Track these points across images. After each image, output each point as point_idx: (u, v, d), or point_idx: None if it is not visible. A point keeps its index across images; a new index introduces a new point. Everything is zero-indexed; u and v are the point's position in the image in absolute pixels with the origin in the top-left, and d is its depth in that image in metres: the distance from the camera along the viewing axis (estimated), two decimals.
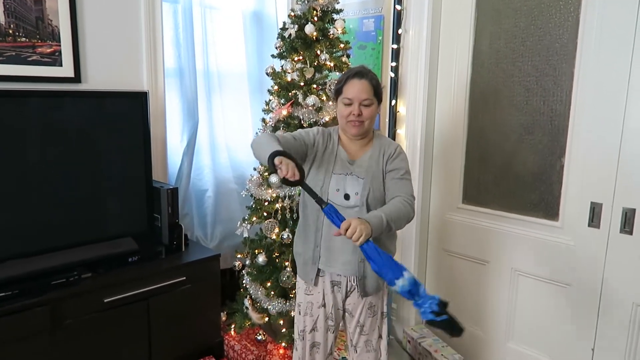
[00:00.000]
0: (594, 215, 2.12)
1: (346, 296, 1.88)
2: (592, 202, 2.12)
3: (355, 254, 1.78)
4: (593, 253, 2.14)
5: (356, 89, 1.74)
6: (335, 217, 1.58)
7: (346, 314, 1.92)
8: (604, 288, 2.13)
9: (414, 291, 1.56)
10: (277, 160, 1.55)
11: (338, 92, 1.80)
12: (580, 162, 2.15)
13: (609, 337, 2.13)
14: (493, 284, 2.54)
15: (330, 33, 2.45)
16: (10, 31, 2.16)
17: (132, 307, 2.22)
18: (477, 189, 2.58)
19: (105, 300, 2.12)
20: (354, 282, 1.84)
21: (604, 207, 2.09)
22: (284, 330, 2.53)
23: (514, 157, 2.39)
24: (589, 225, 2.14)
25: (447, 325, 1.56)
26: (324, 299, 1.86)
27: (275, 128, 2.48)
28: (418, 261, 2.78)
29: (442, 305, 1.56)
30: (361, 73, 1.78)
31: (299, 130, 1.89)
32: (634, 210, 2.00)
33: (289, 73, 2.45)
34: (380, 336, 1.94)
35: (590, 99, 2.09)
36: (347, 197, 1.76)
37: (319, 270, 1.85)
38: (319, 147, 1.83)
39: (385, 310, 1.95)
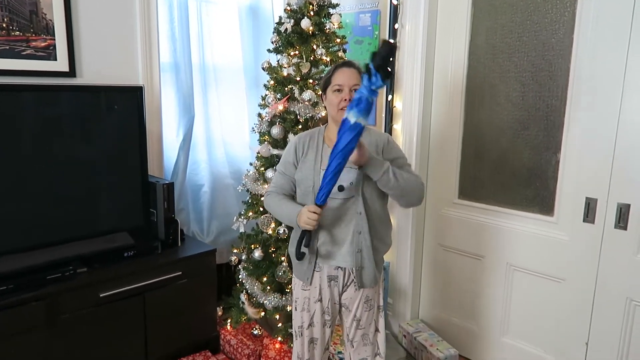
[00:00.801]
0: (589, 211, 2.13)
1: (343, 290, 1.88)
2: (587, 198, 2.13)
3: (353, 244, 1.80)
4: (588, 248, 2.15)
5: (346, 75, 1.78)
6: (326, 190, 1.66)
7: (343, 308, 1.92)
8: (598, 283, 2.14)
9: (359, 101, 1.55)
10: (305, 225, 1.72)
11: (327, 82, 1.82)
12: (575, 158, 2.16)
13: (603, 332, 2.14)
14: (488, 278, 2.55)
15: (327, 28, 2.45)
16: (4, 25, 2.14)
17: (128, 302, 2.22)
18: (473, 184, 2.58)
19: (101, 295, 2.12)
20: (352, 272, 1.84)
21: (599, 202, 2.09)
22: (280, 324, 2.54)
23: (510, 153, 2.39)
24: (584, 221, 2.15)
25: (376, 57, 1.50)
26: (320, 293, 1.87)
27: (271, 123, 2.48)
28: (414, 256, 2.79)
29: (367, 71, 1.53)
30: (349, 63, 1.83)
31: (283, 158, 1.92)
32: (628, 206, 2.01)
33: (285, 68, 2.45)
34: (377, 329, 1.95)
35: (585, 95, 2.09)
36: (341, 188, 1.76)
37: (314, 267, 1.85)
38: (299, 157, 1.87)
39: (381, 303, 1.96)
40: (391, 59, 1.52)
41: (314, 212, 1.69)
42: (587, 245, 2.15)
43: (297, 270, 1.91)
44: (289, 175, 1.89)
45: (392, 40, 1.47)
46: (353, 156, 1.63)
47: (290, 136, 2.42)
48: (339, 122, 1.81)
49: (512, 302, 2.47)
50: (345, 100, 1.76)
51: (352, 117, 1.57)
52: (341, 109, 1.77)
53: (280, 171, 1.92)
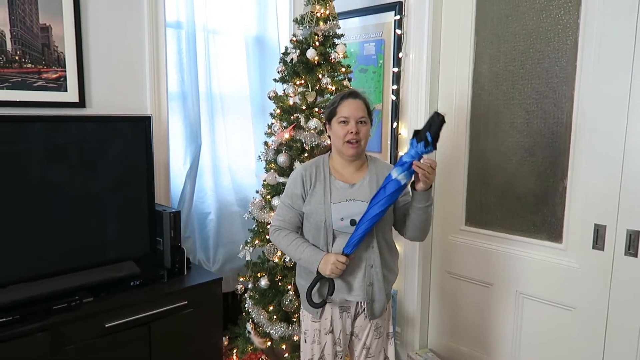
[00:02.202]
0: (598, 237, 2.11)
1: (354, 320, 1.86)
2: (595, 224, 2.11)
3: (364, 278, 1.78)
4: (598, 276, 2.12)
5: (352, 107, 1.76)
6: (358, 239, 1.70)
7: (352, 337, 1.90)
8: (610, 311, 2.10)
9: (407, 163, 1.65)
10: (329, 273, 1.73)
11: (332, 114, 1.80)
12: (582, 184, 2.15)
13: None
14: (497, 306, 2.51)
15: (332, 57, 2.49)
16: (17, 57, 2.19)
17: (133, 332, 2.20)
18: (480, 211, 2.57)
19: (106, 325, 2.10)
20: (363, 305, 1.83)
21: (608, 229, 2.08)
22: (286, 355, 2.50)
23: (516, 179, 2.39)
24: (593, 248, 2.13)
25: (432, 129, 1.61)
26: (331, 324, 1.84)
27: (277, 151, 2.50)
28: (422, 283, 2.76)
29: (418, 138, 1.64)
30: (355, 93, 1.81)
31: (288, 189, 1.88)
32: (637, 232, 1.99)
33: (291, 97, 2.48)
34: (386, 357, 1.93)
35: (590, 121, 2.10)
36: (353, 222, 1.75)
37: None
38: (307, 189, 1.83)
39: (390, 330, 1.94)
40: (433, 126, 1.63)
41: (343, 263, 1.68)
42: (598, 272, 2.13)
43: (306, 304, 1.88)
44: (297, 209, 1.84)
45: (442, 112, 1.62)
46: (424, 180, 1.66)
47: (296, 164, 2.43)
48: (344, 154, 1.80)
49: (522, 330, 2.43)
50: (352, 133, 1.74)
51: (395, 173, 1.66)
52: (346, 142, 1.76)
53: (286, 204, 1.87)
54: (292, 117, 2.49)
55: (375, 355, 1.90)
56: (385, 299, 1.83)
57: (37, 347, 1.93)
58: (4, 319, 1.89)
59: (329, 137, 1.89)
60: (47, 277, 2.12)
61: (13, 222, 2.03)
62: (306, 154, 2.43)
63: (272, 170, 2.52)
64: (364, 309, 1.83)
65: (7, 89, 2.18)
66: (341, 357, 1.88)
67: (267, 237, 2.50)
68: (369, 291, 1.80)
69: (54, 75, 2.31)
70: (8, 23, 2.15)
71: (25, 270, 2.07)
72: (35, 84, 2.26)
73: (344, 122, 1.76)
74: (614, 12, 2.00)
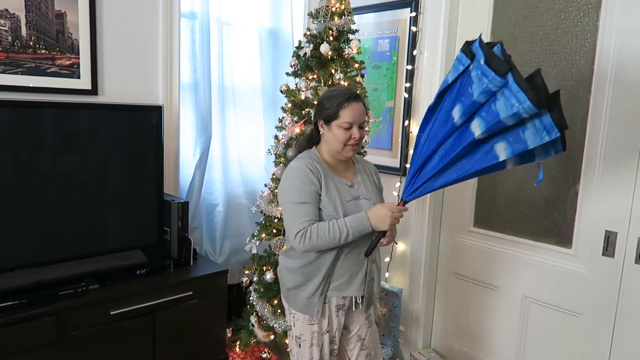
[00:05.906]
0: (609, 244, 2.08)
1: (347, 315, 1.87)
2: (606, 231, 2.08)
3: (367, 274, 1.81)
4: (606, 283, 2.10)
5: (356, 112, 1.71)
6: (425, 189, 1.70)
7: (344, 330, 1.90)
8: (617, 319, 2.08)
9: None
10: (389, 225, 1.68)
11: (332, 116, 1.71)
12: (594, 190, 2.12)
13: None
14: (503, 309, 2.49)
15: (345, 53, 2.47)
16: (31, 43, 2.20)
17: (138, 320, 2.21)
18: (489, 213, 2.55)
19: (111, 313, 2.12)
20: (359, 300, 1.83)
21: (619, 236, 2.05)
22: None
23: (527, 182, 2.36)
24: (603, 254, 2.10)
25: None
26: (329, 324, 1.81)
27: (287, 145, 2.49)
28: (427, 283, 2.75)
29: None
30: (357, 96, 1.74)
31: (302, 189, 1.70)
32: None
33: (303, 91, 2.46)
34: (381, 344, 1.96)
35: (605, 126, 2.07)
36: None
37: (324, 300, 1.78)
38: (321, 183, 1.74)
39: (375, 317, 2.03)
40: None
41: (401, 211, 1.69)
42: (606, 279, 2.10)
43: (304, 307, 1.78)
44: (316, 203, 1.71)
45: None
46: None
47: None
48: (341, 155, 1.76)
49: (527, 334, 2.41)
50: (355, 138, 1.70)
51: (477, 125, 1.56)
52: (348, 145, 1.72)
53: (304, 202, 1.69)
54: (303, 112, 2.47)
55: (369, 346, 1.92)
56: (379, 289, 1.92)
57: (43, 332, 1.94)
58: (11, 303, 1.91)
59: (320, 134, 1.80)
60: (54, 263, 2.13)
61: (21, 207, 2.04)
62: None
63: (281, 164, 2.51)
64: (360, 304, 1.84)
65: (21, 74, 2.19)
66: (336, 354, 1.88)
67: (274, 230, 2.50)
68: (369, 286, 1.83)
69: (68, 62, 2.31)
70: (24, 8, 2.15)
71: (33, 256, 2.09)
72: (49, 70, 2.26)
73: (346, 127, 1.70)
74: (634, 14, 1.96)
